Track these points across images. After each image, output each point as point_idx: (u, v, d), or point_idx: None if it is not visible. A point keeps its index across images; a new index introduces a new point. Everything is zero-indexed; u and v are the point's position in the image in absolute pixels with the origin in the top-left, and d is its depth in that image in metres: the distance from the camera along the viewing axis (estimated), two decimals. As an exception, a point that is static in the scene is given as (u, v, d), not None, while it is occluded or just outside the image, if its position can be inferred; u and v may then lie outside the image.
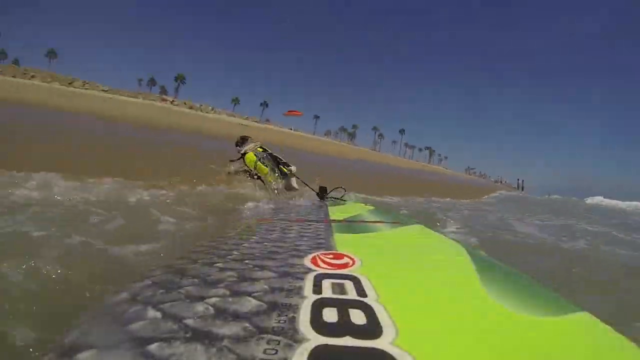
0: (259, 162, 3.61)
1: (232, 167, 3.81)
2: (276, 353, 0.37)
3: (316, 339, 0.39)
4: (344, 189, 2.53)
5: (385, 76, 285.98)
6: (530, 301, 0.58)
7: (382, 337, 0.40)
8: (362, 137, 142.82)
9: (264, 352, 0.37)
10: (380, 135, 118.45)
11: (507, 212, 6.67)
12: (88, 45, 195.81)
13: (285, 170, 3.62)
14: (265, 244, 0.94)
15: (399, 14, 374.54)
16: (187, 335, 0.42)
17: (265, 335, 0.41)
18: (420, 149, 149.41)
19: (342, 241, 0.91)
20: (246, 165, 3.69)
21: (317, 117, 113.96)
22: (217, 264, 0.73)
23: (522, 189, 52.52)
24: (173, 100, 54.29)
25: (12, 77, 39.43)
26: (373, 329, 0.42)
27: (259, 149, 3.79)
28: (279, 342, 0.39)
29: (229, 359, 0.37)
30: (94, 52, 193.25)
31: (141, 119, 15.16)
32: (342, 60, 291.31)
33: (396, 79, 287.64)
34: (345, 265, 0.66)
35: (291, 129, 55.58)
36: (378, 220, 1.41)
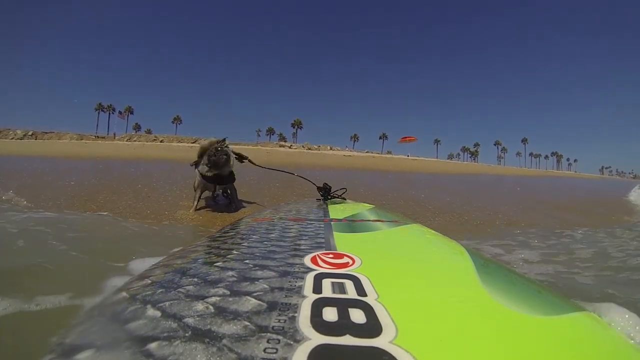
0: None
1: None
2: (276, 352, 0.37)
3: (316, 338, 0.39)
4: (344, 188, 2.45)
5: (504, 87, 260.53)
6: (531, 301, 0.57)
7: (381, 335, 0.40)
8: (486, 154, 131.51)
9: (264, 351, 0.37)
10: (504, 149, 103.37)
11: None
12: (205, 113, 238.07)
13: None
14: (265, 243, 0.93)
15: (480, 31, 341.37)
16: (187, 334, 0.41)
17: (265, 334, 0.40)
18: (546, 156, 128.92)
19: (342, 240, 0.90)
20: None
21: (437, 141, 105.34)
22: (217, 264, 0.72)
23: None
24: (291, 145, 54.58)
25: (152, 141, 52.66)
26: (373, 327, 0.42)
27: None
28: (279, 341, 0.39)
29: (230, 358, 0.36)
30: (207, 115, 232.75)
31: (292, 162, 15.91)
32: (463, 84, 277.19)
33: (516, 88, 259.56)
34: (345, 265, 0.66)
35: (407, 156, 51.90)
36: (378, 219, 1.39)
